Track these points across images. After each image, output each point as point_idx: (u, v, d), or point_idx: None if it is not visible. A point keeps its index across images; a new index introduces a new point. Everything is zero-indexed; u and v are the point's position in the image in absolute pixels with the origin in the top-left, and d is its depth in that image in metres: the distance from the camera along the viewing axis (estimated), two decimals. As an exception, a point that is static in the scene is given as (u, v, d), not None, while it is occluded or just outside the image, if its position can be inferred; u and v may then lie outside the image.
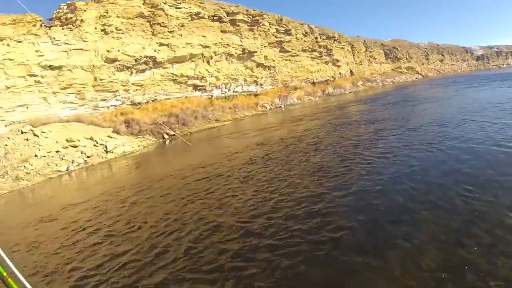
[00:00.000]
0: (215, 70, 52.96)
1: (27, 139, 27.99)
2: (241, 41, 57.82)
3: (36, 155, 26.50)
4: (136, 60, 41.25)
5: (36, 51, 33.02)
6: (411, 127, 22.24)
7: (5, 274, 2.96)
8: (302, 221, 10.24)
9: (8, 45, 31.25)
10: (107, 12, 39.56)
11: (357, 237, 8.82)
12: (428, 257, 7.42)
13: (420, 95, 44.26)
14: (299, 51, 72.40)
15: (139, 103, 42.32)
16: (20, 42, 32.10)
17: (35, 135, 28.58)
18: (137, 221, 12.62)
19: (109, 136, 32.07)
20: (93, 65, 37.40)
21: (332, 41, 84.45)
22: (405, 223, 9.09)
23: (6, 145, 27.14)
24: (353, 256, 7.94)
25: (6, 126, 30.19)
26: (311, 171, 15.42)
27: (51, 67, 33.85)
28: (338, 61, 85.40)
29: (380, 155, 16.25)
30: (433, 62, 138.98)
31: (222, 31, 54.54)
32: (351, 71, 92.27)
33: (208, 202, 13.55)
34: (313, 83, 76.45)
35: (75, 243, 11.52)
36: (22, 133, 28.73)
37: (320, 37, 79.50)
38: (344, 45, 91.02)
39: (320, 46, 79.02)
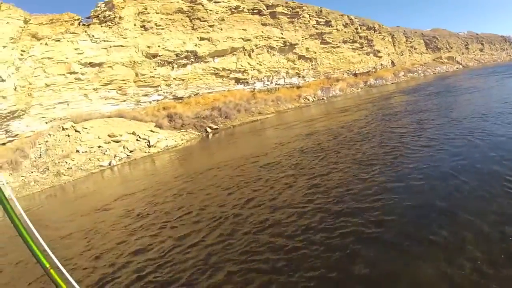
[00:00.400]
0: (257, 63, 51.81)
1: (68, 135, 27.54)
2: (282, 34, 56.40)
3: (77, 151, 26.08)
4: (177, 55, 40.43)
5: (75, 49, 32.60)
6: (455, 117, 20.40)
7: (47, 265, 2.66)
8: (351, 204, 9.86)
9: (46, 44, 30.87)
10: (145, 9, 38.90)
11: (403, 222, 8.33)
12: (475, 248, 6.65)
13: (462, 86, 41.51)
14: (340, 42, 70.56)
15: (181, 97, 41.56)
16: (59, 41, 31.70)
17: (76, 131, 28.10)
18: (193, 208, 12.20)
19: (151, 131, 31.40)
20: (134, 61, 36.82)
21: (373, 31, 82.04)
22: (448, 211, 8.41)
23: (47, 141, 26.83)
24: (399, 239, 7.55)
25: (47, 123, 29.87)
26: (358, 160, 14.51)
27: (91, 64, 33.37)
28: (379, 52, 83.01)
29: (425, 144, 15.03)
30: (473, 52, 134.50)
31: (262, 24, 53.30)
32: (392, 61, 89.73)
33: (260, 189, 12.96)
34: (355, 75, 74.58)
35: (131, 232, 11.26)
36: (63, 129, 28.29)
37: (360, 28, 77.33)
38: (384, 36, 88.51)
39: (360, 37, 76.83)
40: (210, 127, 36.11)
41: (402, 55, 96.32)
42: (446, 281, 5.93)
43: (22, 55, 28.69)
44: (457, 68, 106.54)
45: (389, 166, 12.84)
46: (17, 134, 27.78)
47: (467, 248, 6.67)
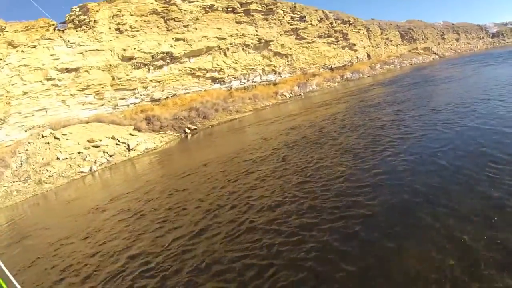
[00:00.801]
0: (233, 62, 51.95)
1: (48, 143, 27.58)
2: (257, 31, 56.50)
3: (58, 158, 26.16)
4: (152, 57, 40.52)
5: (51, 55, 32.56)
6: (433, 107, 20.87)
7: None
8: (340, 191, 10.57)
9: (22, 51, 30.84)
10: (120, 11, 38.83)
11: (388, 212, 8.70)
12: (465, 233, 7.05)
13: (438, 76, 42.19)
14: (315, 37, 70.72)
15: (159, 99, 41.65)
16: (35, 47, 31.68)
17: (55, 138, 28.12)
18: (178, 207, 12.74)
19: (130, 134, 31.50)
20: (110, 65, 36.83)
21: (348, 25, 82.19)
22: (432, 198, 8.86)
23: (27, 150, 26.89)
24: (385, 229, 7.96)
25: (26, 131, 29.92)
26: (340, 153, 14.91)
27: (67, 70, 33.35)
28: (354, 45, 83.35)
29: (404, 135, 15.45)
30: (449, 42, 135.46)
31: (237, 22, 53.35)
32: (368, 54, 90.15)
33: (245, 183, 13.64)
34: (331, 69, 74.85)
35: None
36: (43, 137, 28.30)
37: (335, 22, 77.40)
38: (359, 29, 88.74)
39: (336, 31, 76.95)
40: (188, 128, 36.32)
41: (378, 47, 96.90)
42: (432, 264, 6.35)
43: (-2, 63, 28.68)
44: (433, 59, 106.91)
45: (374, 154, 13.47)
46: (-4, 144, 27.75)
47: (451, 231, 7.17)
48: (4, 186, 23.37)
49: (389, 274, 6.41)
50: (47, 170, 24.89)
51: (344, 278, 6.60)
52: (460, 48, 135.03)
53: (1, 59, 29.16)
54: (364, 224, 8.31)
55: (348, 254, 7.28)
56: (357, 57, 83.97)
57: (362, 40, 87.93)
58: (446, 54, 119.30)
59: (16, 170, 24.99)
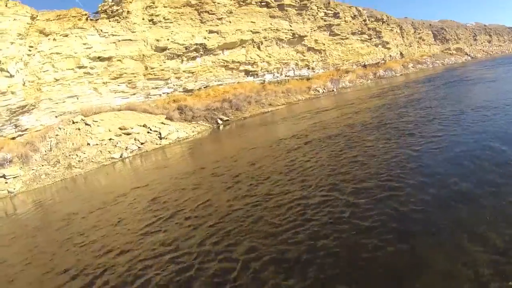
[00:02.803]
0: (266, 55, 50.78)
1: (78, 129, 26.95)
2: (290, 26, 55.07)
3: (88, 144, 25.49)
4: (186, 48, 39.59)
5: (84, 44, 31.83)
6: (470, 107, 19.79)
7: None
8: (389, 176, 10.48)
9: (54, 39, 30.09)
10: (153, 3, 37.92)
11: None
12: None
13: (472, 77, 40.50)
14: (348, 34, 69.04)
15: (191, 90, 40.76)
16: (67, 36, 30.91)
17: (86, 124, 27.49)
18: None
19: (162, 123, 30.70)
20: (143, 55, 36.04)
21: (381, 23, 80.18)
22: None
23: (57, 135, 26.21)
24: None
25: (56, 117, 29.27)
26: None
27: (100, 58, 32.66)
28: (387, 43, 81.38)
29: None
30: (481, 43, 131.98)
31: (270, 16, 52.01)
32: (401, 53, 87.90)
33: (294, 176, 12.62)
34: (364, 66, 73.10)
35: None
36: (73, 123, 27.68)
37: (369, 20, 75.51)
38: (392, 27, 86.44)
39: (369, 29, 75.20)
40: (221, 119, 35.42)
41: (411, 46, 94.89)
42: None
43: (30, 50, 27.98)
44: (465, 60, 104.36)
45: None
46: (26, 129, 27.15)
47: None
48: (33, 169, 22.66)
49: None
50: (77, 155, 24.19)
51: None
52: (492, 50, 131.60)
53: (33, 47, 28.49)
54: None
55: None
56: (390, 55, 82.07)
57: (395, 39, 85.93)
58: (478, 55, 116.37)
59: (45, 154, 24.30)
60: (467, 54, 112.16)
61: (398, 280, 5.94)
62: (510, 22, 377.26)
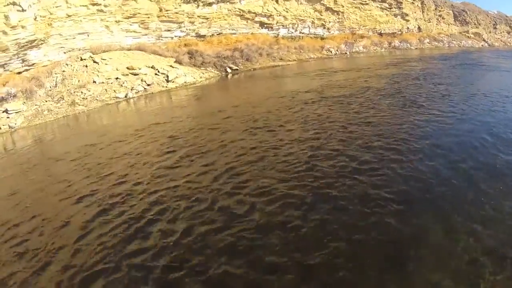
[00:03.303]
0: (284, 10, 49.62)
1: (86, 66, 26.21)
2: (312, -18, 53.92)
3: (94, 81, 24.84)
4: (203, -7, 38.56)
5: (100, -19, 30.91)
6: (482, 90, 19.88)
7: None
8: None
9: (69, -25, 29.26)
10: None
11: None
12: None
13: (488, 63, 39.39)
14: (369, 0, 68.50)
15: (204, 36, 39.85)
16: (82, -28, 30.08)
17: (94, 62, 26.74)
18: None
19: (171, 66, 29.98)
20: (159, -4, 35.01)
21: (403, -7, 78.92)
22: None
23: (63, 71, 25.53)
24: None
25: (65, 53, 28.42)
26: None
27: (115, -3, 31.69)
28: (407, 15, 79.48)
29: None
30: (501, 33, 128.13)
31: (294, -30, 50.88)
32: (419, 27, 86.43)
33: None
34: (380, 34, 72.22)
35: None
36: (81, 59, 26.92)
37: (392, -12, 74.17)
38: (414, 0, 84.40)
39: (390, -3, 74.10)
40: (230, 68, 34.76)
41: (430, 22, 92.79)
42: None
43: (44, -15, 27.30)
44: (482, 46, 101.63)
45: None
46: (33, 64, 26.35)
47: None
48: (36, 104, 22.05)
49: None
50: (81, 92, 23.61)
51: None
52: (511, 41, 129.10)
53: (47, -19, 27.83)
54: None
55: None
56: (408, 27, 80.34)
57: (415, 12, 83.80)
58: (496, 44, 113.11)
59: (50, 90, 23.69)
60: (485, 41, 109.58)
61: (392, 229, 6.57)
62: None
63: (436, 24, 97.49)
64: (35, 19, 25.77)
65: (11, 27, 23.91)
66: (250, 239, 6.54)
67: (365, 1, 66.35)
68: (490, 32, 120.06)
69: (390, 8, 73.59)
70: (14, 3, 23.95)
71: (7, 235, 7.67)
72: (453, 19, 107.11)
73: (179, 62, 31.71)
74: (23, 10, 24.58)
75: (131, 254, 6.34)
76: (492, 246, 5.92)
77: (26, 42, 25.17)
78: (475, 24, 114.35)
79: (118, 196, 8.63)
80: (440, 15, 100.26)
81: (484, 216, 6.73)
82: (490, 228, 6.36)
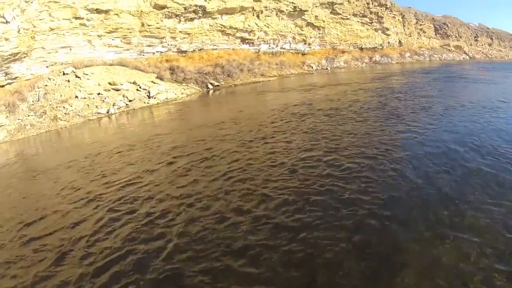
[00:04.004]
0: (265, 25, 50.05)
1: (68, 80, 26.37)
2: (293, -2, 54.61)
3: (76, 96, 25.00)
4: (185, 8, 38.62)
5: (83, -6, 31.08)
6: (462, 102, 20.81)
7: None
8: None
9: (53, -13, 29.41)
10: (155, -41, 37.17)
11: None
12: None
13: (472, 76, 40.31)
14: (350, 14, 68.35)
15: (185, 51, 40.19)
16: (66, -15, 30.24)
17: (77, 76, 26.91)
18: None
19: (152, 82, 30.28)
20: (141, 11, 35.08)
21: (384, 9, 78.93)
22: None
23: (46, 85, 25.68)
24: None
25: (47, 67, 28.54)
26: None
27: (97, 11, 31.65)
28: (387, 29, 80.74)
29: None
30: (482, 45, 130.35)
31: (274, -14, 51.34)
32: (400, 41, 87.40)
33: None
34: (361, 49, 73.07)
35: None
36: (64, 74, 27.09)
37: (372, 4, 74.36)
38: (395, 15, 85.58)
39: (371, 13, 74.34)
40: (211, 84, 35.11)
41: (411, 36, 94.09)
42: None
43: (28, -3, 27.41)
44: (463, 58, 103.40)
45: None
46: (16, 77, 26.41)
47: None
48: (19, 119, 22.13)
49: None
50: (64, 107, 23.72)
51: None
52: (492, 53, 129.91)
53: (32, -7, 27.93)
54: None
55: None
56: (389, 42, 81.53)
57: (396, 26, 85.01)
58: (477, 56, 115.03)
59: (33, 105, 23.78)
60: (466, 53, 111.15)
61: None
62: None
63: (417, 38, 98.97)
64: (18, 31, 25.81)
65: (-6, 39, 24.04)
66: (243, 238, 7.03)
67: (346, 16, 67.06)
68: (471, 45, 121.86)
69: (371, 23, 74.65)
70: (-2, 15, 24.08)
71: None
72: (434, 33, 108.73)
73: (160, 78, 32.02)
74: (7, 22, 24.62)
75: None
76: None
77: (9, 55, 25.21)
78: (456, 37, 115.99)
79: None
80: (421, 29, 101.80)
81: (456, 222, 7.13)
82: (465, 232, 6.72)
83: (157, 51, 37.84)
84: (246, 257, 6.43)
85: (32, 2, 27.36)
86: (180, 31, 39.24)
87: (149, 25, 35.92)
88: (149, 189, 9.85)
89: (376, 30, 77.01)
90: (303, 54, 58.23)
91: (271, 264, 6.18)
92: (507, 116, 16.38)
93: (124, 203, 9.06)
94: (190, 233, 7.34)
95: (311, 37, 60.27)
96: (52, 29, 28.73)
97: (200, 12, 40.53)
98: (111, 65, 31.08)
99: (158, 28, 36.86)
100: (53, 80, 26.41)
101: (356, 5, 69.38)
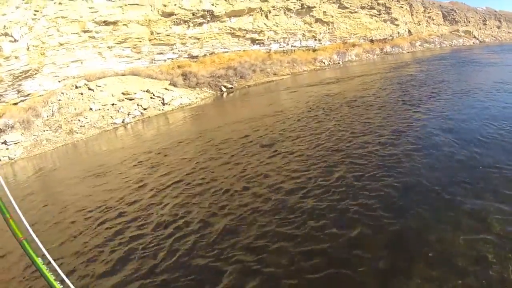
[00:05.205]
0: (274, 24, 49.69)
1: (81, 93, 26.43)
2: (300, -4, 54.18)
3: (91, 109, 25.01)
4: (193, 14, 38.45)
5: (90, 8, 30.72)
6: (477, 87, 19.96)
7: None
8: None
9: (60, 3, 28.99)
10: (162, -33, 37.02)
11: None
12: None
13: (483, 60, 39.25)
14: (357, 7, 67.82)
15: (196, 56, 40.02)
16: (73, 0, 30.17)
17: (90, 89, 26.95)
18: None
19: (166, 89, 30.18)
20: (149, 20, 35.00)
21: (391, -1, 79.65)
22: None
23: (59, 100, 25.74)
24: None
25: (60, 81, 28.50)
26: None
27: (105, 23, 31.66)
28: (396, 19, 79.99)
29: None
30: (490, 28, 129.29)
31: (280, -15, 51.04)
32: (409, 30, 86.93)
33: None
34: (371, 41, 72.46)
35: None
36: (77, 87, 27.18)
37: (379, -5, 74.61)
38: (402, 4, 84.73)
39: (378, 4, 73.61)
40: (225, 86, 34.83)
41: (420, 25, 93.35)
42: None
43: (35, 15, 27.04)
44: (473, 43, 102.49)
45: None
46: (29, 94, 26.38)
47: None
48: (34, 135, 22.12)
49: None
50: (79, 120, 23.70)
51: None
52: (501, 36, 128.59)
53: (38, 11, 27.60)
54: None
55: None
56: (398, 32, 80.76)
57: (404, 16, 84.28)
58: (487, 40, 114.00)
59: (47, 120, 23.78)
60: (476, 38, 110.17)
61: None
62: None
63: (426, 26, 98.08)
64: (27, 49, 25.77)
65: (4, 58, 23.89)
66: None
67: (354, 10, 66.58)
68: (480, 29, 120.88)
69: (379, 15, 74.00)
70: (6, 34, 23.97)
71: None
72: (442, 19, 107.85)
73: (173, 84, 31.84)
74: (15, 41, 24.58)
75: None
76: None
77: (21, 72, 25.14)
78: (464, 22, 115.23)
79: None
80: (429, 17, 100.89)
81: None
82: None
83: (168, 58, 37.70)
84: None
85: (39, 19, 27.35)
86: (189, 37, 39.07)
87: (158, 33, 35.79)
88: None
89: (385, 21, 76.28)
90: (314, 50, 57.64)
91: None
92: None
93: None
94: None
95: (320, 33, 59.79)
96: (61, 44, 28.71)
97: (208, 16, 40.32)
98: (123, 75, 31.02)
99: (168, 35, 36.72)
100: (66, 94, 26.40)
101: (364, -2, 68.78)
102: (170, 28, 36.86)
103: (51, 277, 2.56)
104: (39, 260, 2.57)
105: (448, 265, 5.09)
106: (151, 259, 6.62)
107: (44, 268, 2.55)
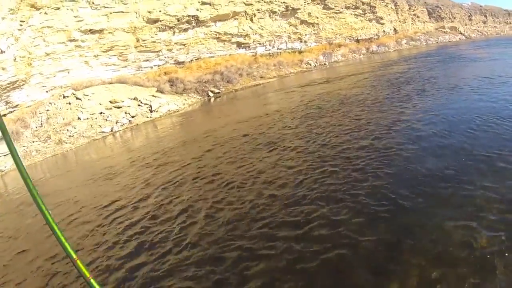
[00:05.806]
0: (259, 28, 49.92)
1: (69, 103, 26.53)
2: (284, -2, 54.46)
3: (79, 118, 25.17)
4: (178, 20, 38.61)
5: (75, 17, 30.80)
6: (462, 82, 20.45)
7: (74, 256, 2.50)
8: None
9: (45, 13, 29.05)
10: (145, -26, 37.12)
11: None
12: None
13: (466, 56, 40.30)
14: (342, 8, 68.00)
15: (183, 62, 40.10)
16: (58, 9, 29.91)
17: (77, 98, 27.05)
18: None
19: (153, 96, 30.35)
20: (135, 27, 35.09)
21: (375, -2, 79.96)
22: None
23: (48, 110, 25.83)
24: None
25: (47, 92, 28.54)
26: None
27: (91, 31, 31.76)
28: (381, 18, 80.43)
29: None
30: (476, 23, 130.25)
31: (264, -12, 51.25)
32: (395, 29, 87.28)
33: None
34: (357, 41, 72.71)
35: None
36: (64, 97, 27.26)
37: (364, -6, 74.98)
38: (387, 3, 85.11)
39: (363, 3, 73.72)
40: (212, 91, 35.10)
41: (405, 23, 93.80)
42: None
43: (21, 25, 27.07)
44: (459, 39, 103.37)
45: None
46: (17, 105, 26.40)
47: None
48: (23, 146, 22.20)
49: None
50: (67, 130, 23.87)
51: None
52: (487, 31, 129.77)
53: (24, 21, 27.63)
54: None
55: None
56: (384, 31, 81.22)
57: (389, 14, 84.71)
58: (473, 35, 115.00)
59: (36, 131, 23.91)
60: (462, 34, 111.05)
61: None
62: (506, 5, 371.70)
63: (412, 23, 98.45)
64: (14, 60, 25.77)
65: (-9, 70, 23.99)
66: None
67: (338, 10, 66.84)
68: (466, 25, 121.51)
69: (364, 14, 74.34)
70: (-8, 45, 24.05)
71: None
72: (428, 17, 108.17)
73: (160, 91, 32.02)
74: (2, 52, 24.56)
75: None
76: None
77: (8, 83, 25.15)
78: (450, 18, 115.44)
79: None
80: (414, 14, 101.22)
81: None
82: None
83: (154, 65, 37.80)
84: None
85: (25, 30, 27.39)
86: (175, 43, 39.18)
87: (144, 40, 35.90)
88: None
89: (370, 20, 76.67)
90: (300, 52, 57.94)
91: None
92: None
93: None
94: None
95: (306, 35, 60.08)
96: (48, 54, 28.77)
97: (194, 21, 40.47)
98: (110, 83, 31.08)
99: (153, 42, 36.82)
100: (54, 104, 26.50)
101: (348, -2, 69.13)
102: (156, 34, 36.97)
103: None
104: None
105: (441, 253, 5.38)
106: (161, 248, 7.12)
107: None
